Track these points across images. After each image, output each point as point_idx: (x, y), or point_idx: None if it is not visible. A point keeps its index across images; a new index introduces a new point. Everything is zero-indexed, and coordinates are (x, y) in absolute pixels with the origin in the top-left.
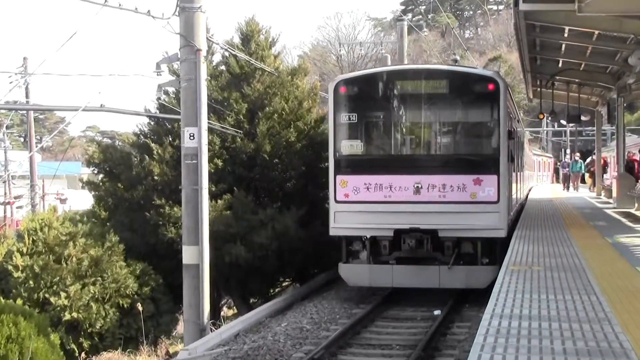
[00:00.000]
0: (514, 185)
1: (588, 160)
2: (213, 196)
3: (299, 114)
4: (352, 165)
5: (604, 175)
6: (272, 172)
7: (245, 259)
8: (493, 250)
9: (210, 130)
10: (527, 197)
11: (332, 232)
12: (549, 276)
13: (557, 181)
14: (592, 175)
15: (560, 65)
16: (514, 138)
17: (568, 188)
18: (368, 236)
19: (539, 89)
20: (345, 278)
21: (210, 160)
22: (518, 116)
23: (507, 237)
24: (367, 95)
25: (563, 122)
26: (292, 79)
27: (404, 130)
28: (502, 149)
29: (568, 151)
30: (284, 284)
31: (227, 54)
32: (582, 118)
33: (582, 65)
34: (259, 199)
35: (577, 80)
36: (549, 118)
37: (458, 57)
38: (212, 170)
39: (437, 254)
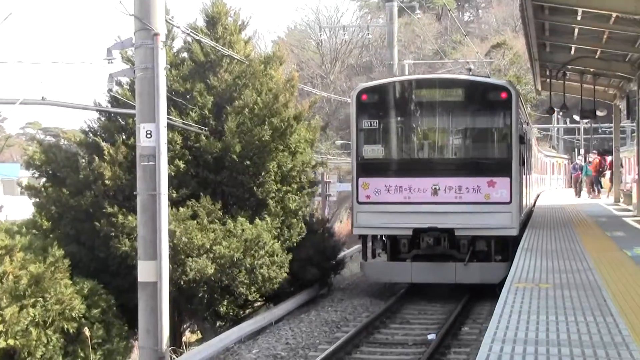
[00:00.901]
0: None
1: (591, 158)
2: (174, 203)
3: (274, 109)
4: (374, 169)
5: (601, 179)
6: (242, 176)
7: (211, 276)
8: (505, 248)
9: (171, 127)
10: (534, 204)
11: (355, 231)
12: (558, 295)
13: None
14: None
15: (572, 52)
16: (524, 142)
17: (579, 194)
18: (387, 235)
19: (548, 80)
20: (366, 275)
21: (171, 161)
22: (527, 119)
23: (519, 235)
24: (388, 103)
25: (576, 117)
26: (265, 69)
27: (423, 135)
28: (514, 153)
29: (582, 151)
30: (256, 305)
31: (189, 39)
32: (598, 113)
33: (598, 53)
34: (227, 207)
35: (592, 69)
36: (560, 113)
37: (472, 67)
38: (173, 174)
39: (454, 251)
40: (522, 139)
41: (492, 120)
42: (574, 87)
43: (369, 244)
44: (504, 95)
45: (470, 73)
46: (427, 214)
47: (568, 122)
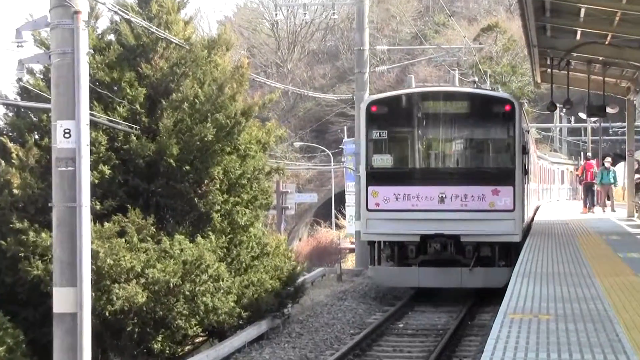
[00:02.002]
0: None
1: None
2: (97, 217)
3: (219, 102)
4: (383, 177)
5: (594, 185)
6: (180, 184)
7: (143, 305)
8: (508, 254)
9: (94, 125)
10: (532, 218)
11: (364, 237)
12: (561, 328)
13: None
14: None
15: (578, 37)
16: (527, 152)
17: (589, 207)
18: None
19: (549, 71)
20: (374, 279)
21: (94, 167)
22: (528, 128)
23: (521, 241)
24: (396, 114)
25: (582, 115)
26: (209, 55)
27: (430, 145)
28: (517, 163)
29: (589, 155)
30: (197, 340)
31: (117, 18)
32: (609, 110)
33: (609, 38)
34: (162, 222)
35: (601, 58)
36: (564, 110)
37: (476, 78)
38: (97, 181)
39: (459, 257)
40: (525, 149)
41: (496, 131)
42: (580, 79)
43: (375, 250)
44: (507, 107)
45: (475, 85)
46: (434, 221)
47: (572, 121)
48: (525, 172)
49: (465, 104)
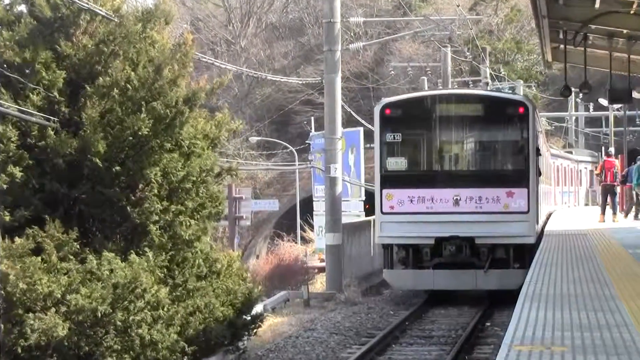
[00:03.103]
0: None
1: (612, 161)
2: (7, 231)
3: (157, 88)
4: (397, 180)
5: (615, 188)
6: (109, 189)
7: (64, 339)
8: (523, 256)
9: (2, 117)
10: (543, 229)
11: (378, 240)
12: None
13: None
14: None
15: (597, 5)
16: (541, 154)
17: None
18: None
19: (562, 47)
20: (390, 282)
21: (2, 168)
22: (541, 128)
23: (536, 243)
24: (411, 117)
25: (603, 101)
26: (144, 30)
27: (444, 148)
28: (531, 165)
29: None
30: None
31: None
32: (635, 95)
33: (634, 6)
34: (87, 236)
35: (625, 31)
36: (580, 95)
37: (489, 80)
38: (5, 186)
39: (474, 259)
40: (539, 151)
41: (510, 133)
42: (600, 56)
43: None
44: (521, 110)
45: (488, 88)
46: (449, 224)
47: (591, 109)
48: (539, 173)
49: (479, 107)
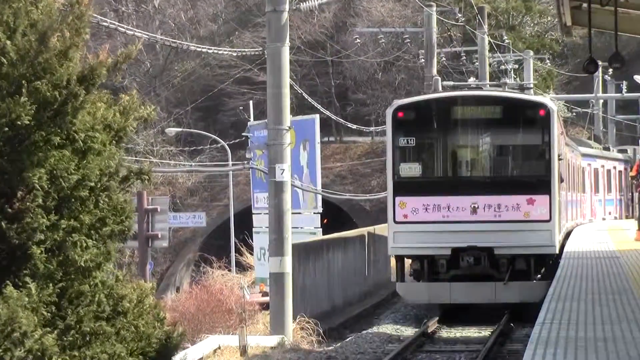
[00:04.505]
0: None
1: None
2: None
3: (42, 63)
4: (411, 187)
5: None
6: None
7: None
8: (545, 267)
9: None
10: (561, 249)
11: (391, 251)
12: None
13: None
14: None
15: None
16: (562, 159)
17: None
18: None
19: (585, 5)
20: (403, 296)
21: None
22: (563, 130)
23: (559, 254)
24: (424, 120)
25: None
26: None
27: (461, 153)
28: (553, 170)
29: None
30: None
31: None
32: None
33: None
34: None
35: None
36: (609, 72)
37: (507, 80)
38: None
39: (494, 271)
40: (561, 156)
41: (531, 137)
42: (636, 19)
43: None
44: (542, 112)
45: (506, 88)
46: (466, 233)
47: (624, 89)
48: (562, 179)
49: (497, 109)
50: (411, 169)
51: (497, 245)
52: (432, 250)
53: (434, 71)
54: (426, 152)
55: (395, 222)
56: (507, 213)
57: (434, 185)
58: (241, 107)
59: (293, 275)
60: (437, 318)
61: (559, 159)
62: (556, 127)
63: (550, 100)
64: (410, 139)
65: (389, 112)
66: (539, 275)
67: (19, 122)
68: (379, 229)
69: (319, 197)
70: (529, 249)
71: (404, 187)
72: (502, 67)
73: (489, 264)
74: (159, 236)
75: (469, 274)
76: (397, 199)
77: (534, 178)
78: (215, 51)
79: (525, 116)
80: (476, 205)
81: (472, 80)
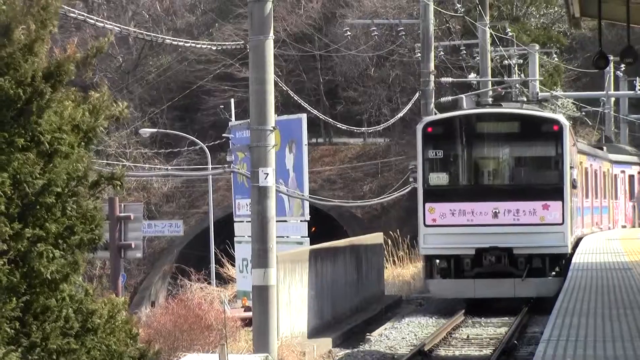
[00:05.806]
0: None
1: None
2: None
3: (5, 58)
4: (439, 195)
5: None
6: None
7: None
8: (559, 265)
9: None
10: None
11: (422, 251)
12: None
13: None
14: None
15: None
16: (574, 168)
17: None
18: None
19: None
20: (432, 292)
21: None
22: (575, 142)
23: (571, 253)
24: (451, 134)
25: None
26: None
27: (483, 164)
28: (565, 179)
29: None
30: None
31: None
32: None
33: None
34: None
35: None
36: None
37: (525, 98)
38: None
39: (512, 268)
40: (572, 165)
41: (546, 149)
42: None
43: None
44: (555, 127)
45: (524, 106)
46: (489, 235)
47: (637, 86)
48: (574, 186)
49: (515, 125)
50: (439, 178)
51: (516, 246)
52: (458, 250)
53: (431, 66)
54: (452, 163)
55: (425, 225)
56: (524, 217)
57: (460, 192)
58: (221, 106)
59: (278, 289)
60: (462, 311)
61: (571, 168)
62: (568, 140)
63: (562, 116)
64: (438, 152)
65: (419, 128)
66: (554, 273)
67: None
68: (372, 237)
69: (307, 204)
70: (544, 249)
71: (432, 194)
72: (505, 62)
73: (509, 263)
74: (133, 246)
75: (491, 272)
76: (427, 205)
77: (548, 186)
78: (194, 45)
79: (540, 131)
80: (497, 210)
81: (472, 77)
